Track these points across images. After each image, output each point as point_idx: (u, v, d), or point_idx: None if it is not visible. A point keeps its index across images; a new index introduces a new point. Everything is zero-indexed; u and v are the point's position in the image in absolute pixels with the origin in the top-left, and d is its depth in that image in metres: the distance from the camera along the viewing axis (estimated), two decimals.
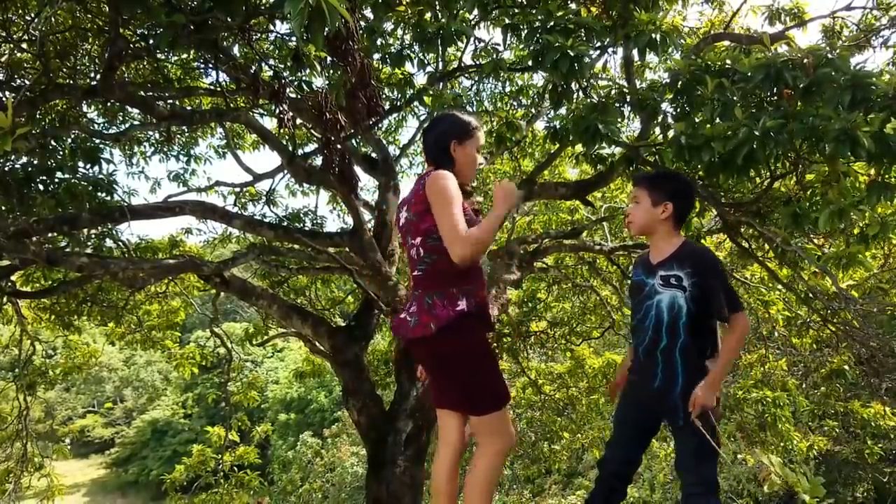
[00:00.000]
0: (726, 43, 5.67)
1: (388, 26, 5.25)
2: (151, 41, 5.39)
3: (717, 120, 3.45)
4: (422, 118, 8.81)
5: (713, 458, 2.90)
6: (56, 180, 6.01)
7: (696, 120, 3.64)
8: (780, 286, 7.06)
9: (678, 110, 3.99)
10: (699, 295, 2.83)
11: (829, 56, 3.25)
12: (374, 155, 7.79)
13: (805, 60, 3.25)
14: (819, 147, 3.19)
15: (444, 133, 2.89)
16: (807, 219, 3.40)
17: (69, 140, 6.38)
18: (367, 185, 11.09)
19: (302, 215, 9.54)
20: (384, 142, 8.39)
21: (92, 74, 6.90)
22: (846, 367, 8.74)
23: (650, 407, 3.03)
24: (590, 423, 11.05)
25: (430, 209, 2.72)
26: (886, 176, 3.43)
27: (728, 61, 3.71)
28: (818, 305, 6.86)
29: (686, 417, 2.83)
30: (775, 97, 3.43)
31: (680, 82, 3.80)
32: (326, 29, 2.62)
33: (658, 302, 2.88)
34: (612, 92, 4.32)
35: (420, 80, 7.16)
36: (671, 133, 3.68)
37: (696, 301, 2.83)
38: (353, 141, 7.74)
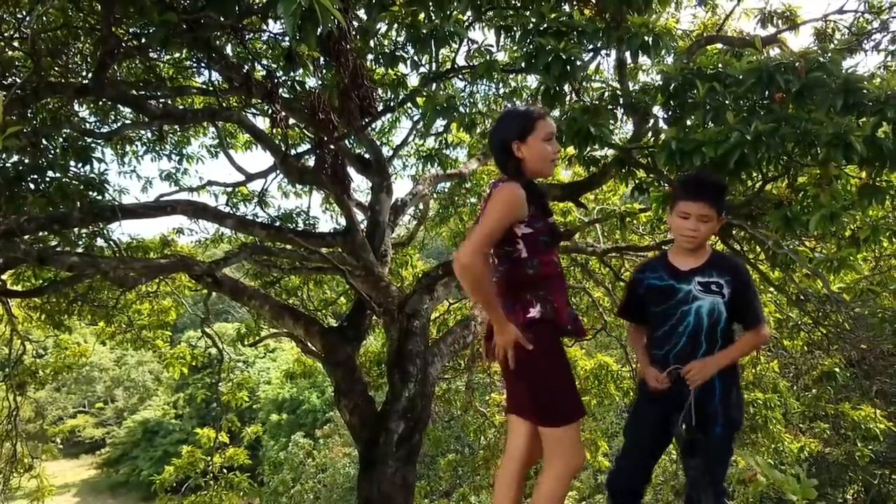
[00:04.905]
0: (719, 46, 5.68)
1: (382, 27, 5.24)
2: (144, 40, 5.37)
3: (710, 124, 3.45)
4: (415, 119, 8.81)
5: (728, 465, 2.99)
6: (47, 179, 5.98)
7: (688, 124, 3.64)
8: (771, 288, 7.08)
9: (670, 114, 3.99)
10: (735, 302, 2.85)
11: (821, 60, 3.25)
12: (367, 155, 7.78)
13: (797, 64, 3.26)
14: (811, 151, 3.20)
15: (502, 135, 2.75)
16: (798, 222, 3.41)
17: (61, 139, 6.35)
18: (361, 186, 11.08)
19: (294, 216, 9.53)
20: (377, 142, 8.39)
21: (84, 73, 6.87)
22: (837, 369, 8.77)
23: (679, 415, 2.91)
24: (581, 425, 11.05)
25: None
26: (878, 179, 3.44)
27: (720, 65, 3.71)
28: (809, 308, 6.88)
29: (724, 425, 2.86)
30: (767, 101, 3.43)
31: (672, 86, 3.80)
32: (319, 29, 2.63)
33: (698, 308, 2.84)
34: (605, 94, 4.32)
35: (413, 80, 7.16)
36: (663, 136, 3.68)
37: (730, 308, 2.85)
38: (347, 141, 7.74)
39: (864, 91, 3.13)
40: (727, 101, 3.51)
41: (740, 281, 2.88)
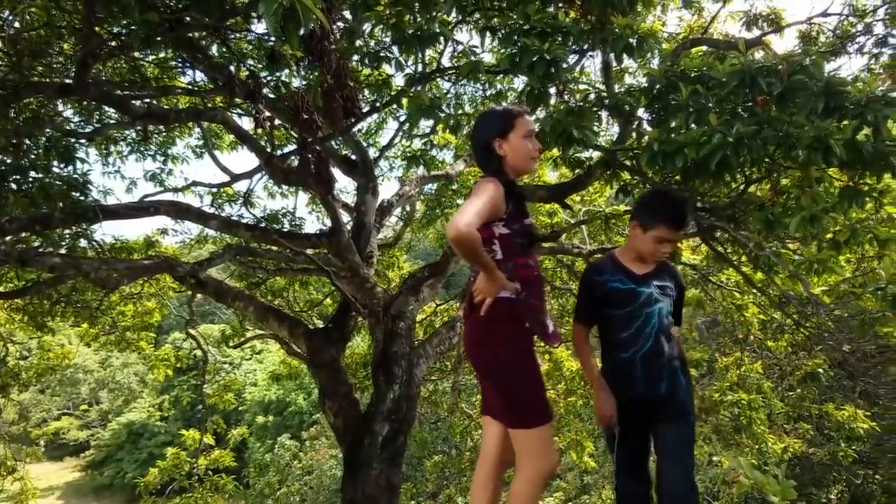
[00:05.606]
0: (704, 48, 5.70)
1: (367, 27, 5.23)
2: (126, 39, 5.34)
3: (693, 126, 3.46)
4: (401, 120, 8.80)
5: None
6: (30, 179, 5.94)
7: (672, 125, 3.65)
8: (754, 290, 7.11)
9: (654, 116, 4.00)
10: (676, 303, 3.13)
11: (804, 63, 3.27)
12: (353, 157, 7.76)
13: (780, 67, 3.27)
14: (792, 154, 3.21)
15: (483, 133, 2.80)
16: (779, 224, 3.43)
17: (43, 139, 6.30)
18: (347, 188, 11.08)
19: (280, 216, 9.50)
20: (364, 144, 8.37)
21: (67, 72, 6.82)
22: (820, 370, 8.83)
23: (651, 413, 3.05)
24: (567, 426, 11.06)
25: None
26: (858, 182, 3.46)
27: (703, 67, 3.72)
28: (791, 310, 6.92)
29: (692, 414, 3.07)
30: (750, 103, 3.44)
31: (656, 88, 3.81)
32: (302, 29, 2.61)
33: (659, 310, 3.01)
34: (590, 96, 4.32)
35: (400, 81, 7.15)
36: (646, 138, 3.69)
37: (674, 309, 3.11)
38: (333, 142, 7.72)
39: (846, 94, 3.15)
40: (710, 104, 3.52)
41: (681, 284, 3.20)
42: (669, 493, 2.95)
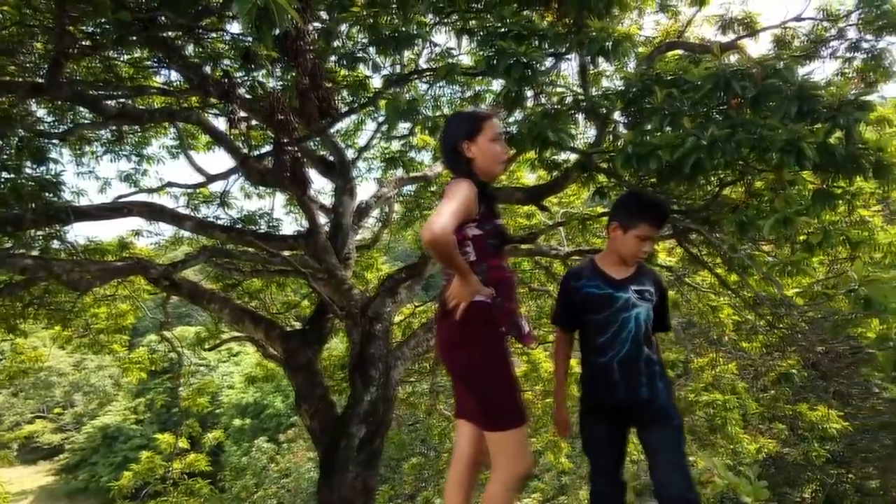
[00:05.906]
0: (680, 51, 5.74)
1: (344, 28, 5.21)
2: (99, 38, 5.28)
3: (667, 129, 3.48)
4: (379, 121, 8.78)
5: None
6: (1, 180, 5.86)
7: (647, 128, 3.67)
8: (729, 292, 7.17)
9: (629, 119, 4.02)
10: (658, 308, 3.07)
11: (778, 66, 3.30)
12: (330, 157, 7.73)
13: (754, 70, 3.30)
14: (766, 157, 3.24)
15: (452, 136, 2.79)
16: (753, 226, 3.45)
17: (15, 139, 6.21)
18: (326, 189, 11.02)
19: (257, 217, 9.42)
20: (342, 144, 8.33)
21: (41, 72, 6.73)
22: (794, 371, 8.93)
23: (631, 418, 3.04)
24: (545, 427, 11.10)
25: None
26: (830, 185, 3.50)
27: (679, 71, 3.74)
28: (765, 311, 6.99)
29: (677, 416, 3.01)
30: (724, 106, 3.47)
31: (632, 91, 3.83)
32: (276, 30, 2.59)
33: (637, 314, 2.97)
34: (567, 99, 4.33)
35: (377, 82, 7.13)
36: (621, 141, 3.71)
37: (654, 313, 3.05)
38: (312, 143, 7.68)
39: (819, 98, 3.18)
40: (685, 107, 3.54)
41: (662, 289, 3.15)
42: (669, 497, 2.93)
